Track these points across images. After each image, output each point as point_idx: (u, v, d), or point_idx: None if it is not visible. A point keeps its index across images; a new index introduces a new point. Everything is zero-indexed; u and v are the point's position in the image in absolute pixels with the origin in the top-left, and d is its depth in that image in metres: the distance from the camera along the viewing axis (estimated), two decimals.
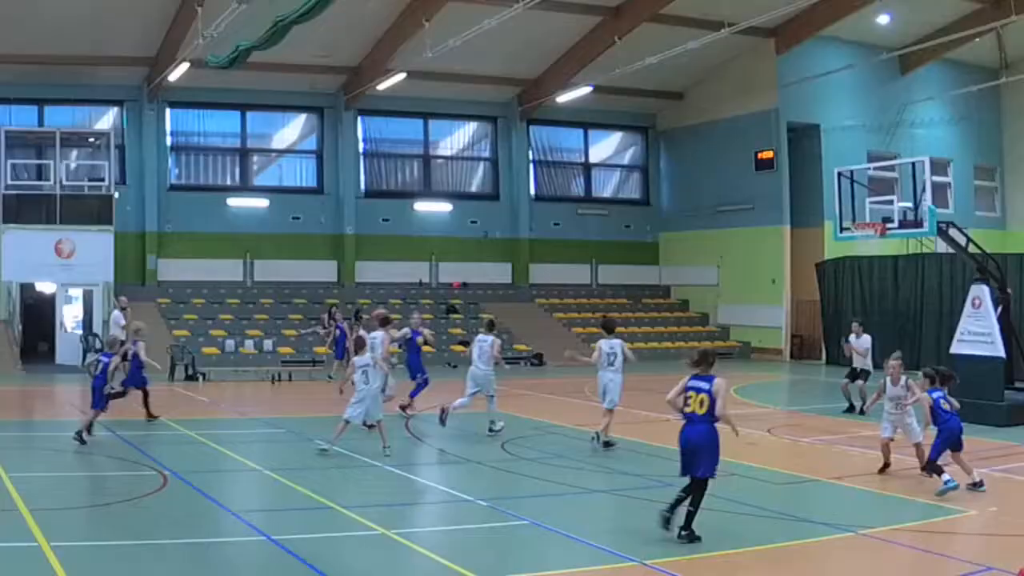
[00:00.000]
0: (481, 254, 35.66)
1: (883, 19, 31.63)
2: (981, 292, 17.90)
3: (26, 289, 29.31)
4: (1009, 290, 19.50)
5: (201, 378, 24.43)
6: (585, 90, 32.53)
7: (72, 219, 28.37)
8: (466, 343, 31.46)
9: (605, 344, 14.67)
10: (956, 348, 18.11)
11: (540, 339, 31.58)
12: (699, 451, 9.37)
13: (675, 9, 29.10)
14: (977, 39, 31.24)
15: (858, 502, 11.41)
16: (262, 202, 33.25)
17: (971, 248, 20.13)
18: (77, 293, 29.27)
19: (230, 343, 28.43)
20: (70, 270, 28.41)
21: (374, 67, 31.35)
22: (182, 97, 31.61)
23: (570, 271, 36.80)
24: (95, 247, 28.46)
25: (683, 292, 37.41)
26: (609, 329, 15.00)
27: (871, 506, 11.18)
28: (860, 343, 19.28)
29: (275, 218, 33.10)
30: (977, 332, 17.72)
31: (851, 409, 18.76)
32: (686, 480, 9.47)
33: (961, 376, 17.83)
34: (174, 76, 28.31)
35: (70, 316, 29.26)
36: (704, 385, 9.48)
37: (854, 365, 19.30)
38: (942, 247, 24.03)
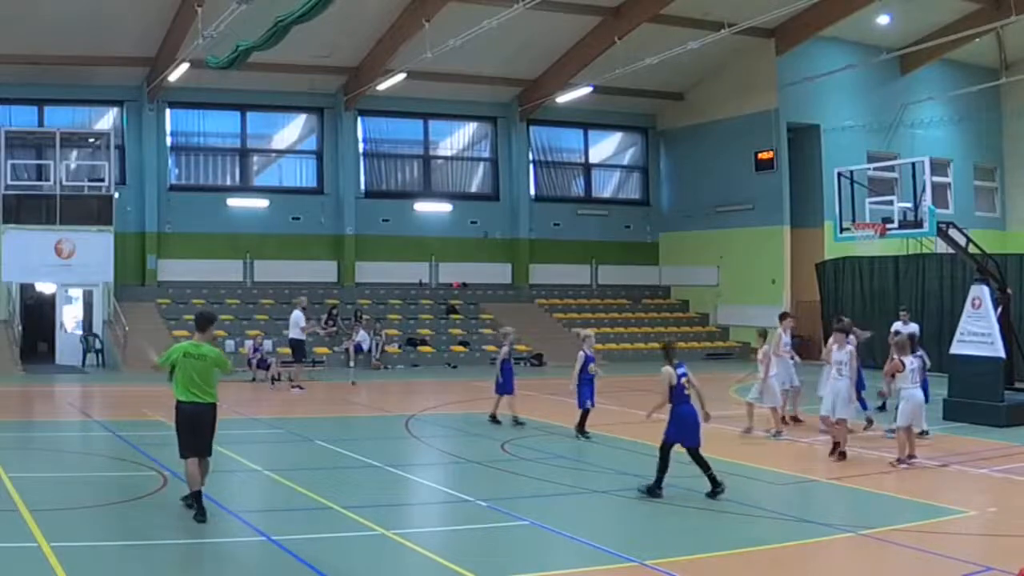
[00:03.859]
0: (481, 254, 35.64)
1: (883, 19, 31.65)
2: (981, 292, 17.87)
3: (26, 289, 29.33)
4: (1009, 290, 19.48)
5: None
6: (585, 90, 32.52)
7: (72, 219, 28.37)
8: (466, 343, 31.53)
9: None
10: (956, 348, 18.08)
11: (540, 339, 31.58)
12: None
13: (675, 9, 29.11)
14: (977, 39, 31.25)
15: (858, 502, 11.40)
16: (262, 202, 33.24)
17: (971, 248, 20.12)
18: (77, 293, 29.31)
19: (230, 343, 28.38)
20: (70, 270, 28.39)
21: (374, 67, 31.35)
22: (182, 97, 31.61)
23: (570, 271, 36.77)
24: (95, 247, 28.45)
25: (683, 292, 37.40)
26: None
27: (871, 506, 11.17)
28: (908, 329, 18.74)
29: (275, 218, 33.10)
30: (977, 332, 17.67)
31: (883, 408, 17.51)
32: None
33: (961, 376, 17.99)
34: (174, 76, 28.31)
35: (70, 316, 29.28)
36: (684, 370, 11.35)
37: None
38: (942, 247, 23.98)
